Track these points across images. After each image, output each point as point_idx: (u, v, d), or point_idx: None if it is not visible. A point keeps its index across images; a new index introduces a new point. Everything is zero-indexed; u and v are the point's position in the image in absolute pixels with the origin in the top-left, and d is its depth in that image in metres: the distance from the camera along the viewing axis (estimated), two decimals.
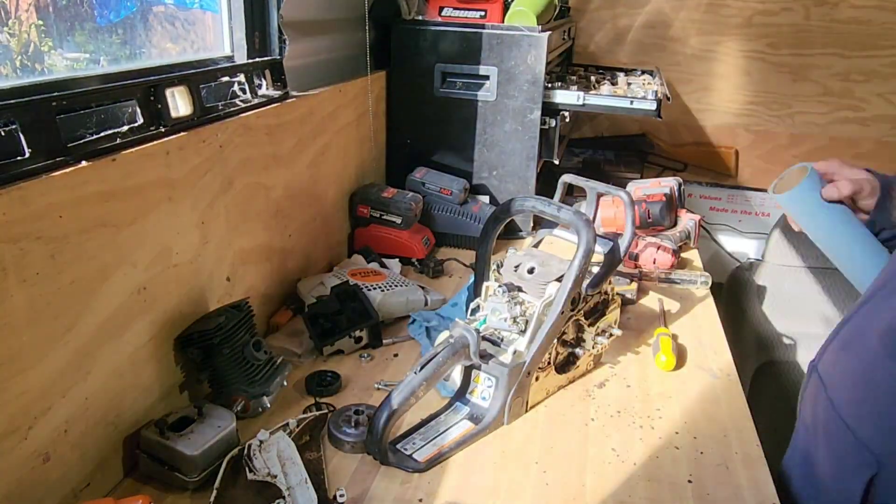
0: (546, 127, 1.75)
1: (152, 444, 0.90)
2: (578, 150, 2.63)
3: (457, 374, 1.06)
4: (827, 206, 1.02)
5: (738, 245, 2.77)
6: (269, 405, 1.04)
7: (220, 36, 1.29)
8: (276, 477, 0.86)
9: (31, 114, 0.77)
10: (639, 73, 2.30)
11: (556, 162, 1.86)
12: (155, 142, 0.93)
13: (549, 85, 1.77)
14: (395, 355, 1.25)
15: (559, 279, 1.09)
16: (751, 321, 2.26)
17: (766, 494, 0.93)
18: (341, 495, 0.85)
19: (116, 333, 0.88)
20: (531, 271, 1.13)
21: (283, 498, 0.84)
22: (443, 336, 1.06)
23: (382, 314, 1.31)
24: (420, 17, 1.80)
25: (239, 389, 1.02)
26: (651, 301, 1.51)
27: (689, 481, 0.95)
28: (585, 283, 1.10)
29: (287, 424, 0.97)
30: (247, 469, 0.88)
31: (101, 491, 0.88)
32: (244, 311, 1.07)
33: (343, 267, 1.45)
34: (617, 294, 1.21)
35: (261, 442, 0.91)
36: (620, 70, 2.37)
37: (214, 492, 0.85)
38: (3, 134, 0.74)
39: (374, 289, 1.33)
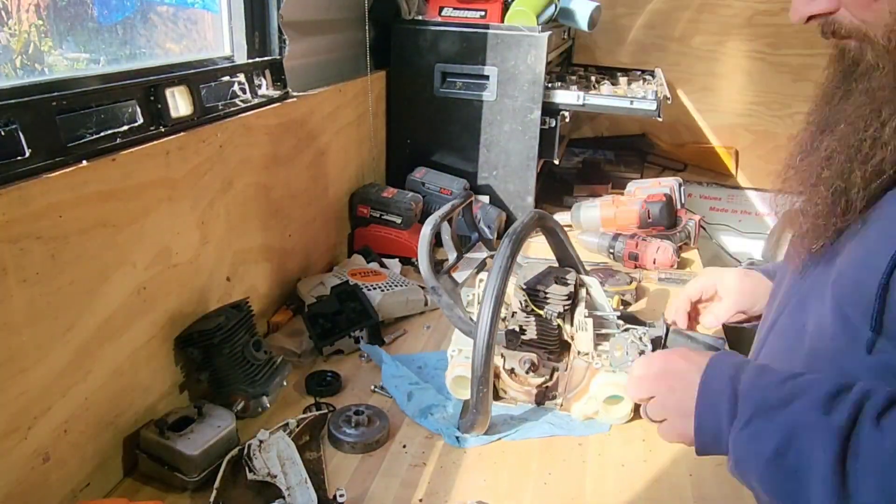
0: (546, 127, 1.75)
1: (152, 444, 0.90)
2: (578, 150, 2.63)
3: None
4: None
5: (738, 245, 2.77)
6: (268, 405, 1.04)
7: (220, 36, 1.29)
8: (276, 477, 0.86)
9: (31, 114, 0.77)
10: (639, 73, 2.29)
11: (557, 162, 1.86)
12: (155, 142, 0.94)
13: (549, 85, 1.77)
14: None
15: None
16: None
17: None
18: (341, 495, 0.85)
19: (116, 333, 0.88)
20: (550, 283, 1.10)
21: (283, 498, 0.84)
22: None
23: (382, 314, 1.31)
24: (420, 17, 1.80)
25: (239, 389, 1.02)
26: (651, 302, 1.51)
27: (690, 480, 0.95)
28: None
29: (287, 424, 0.97)
30: (247, 469, 0.88)
31: (101, 491, 0.88)
32: (244, 311, 1.07)
33: (343, 267, 1.45)
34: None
35: (260, 442, 0.90)
36: (620, 70, 2.37)
37: (214, 492, 0.84)
38: (3, 134, 0.74)
39: (374, 289, 1.33)
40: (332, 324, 1.22)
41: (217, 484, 0.85)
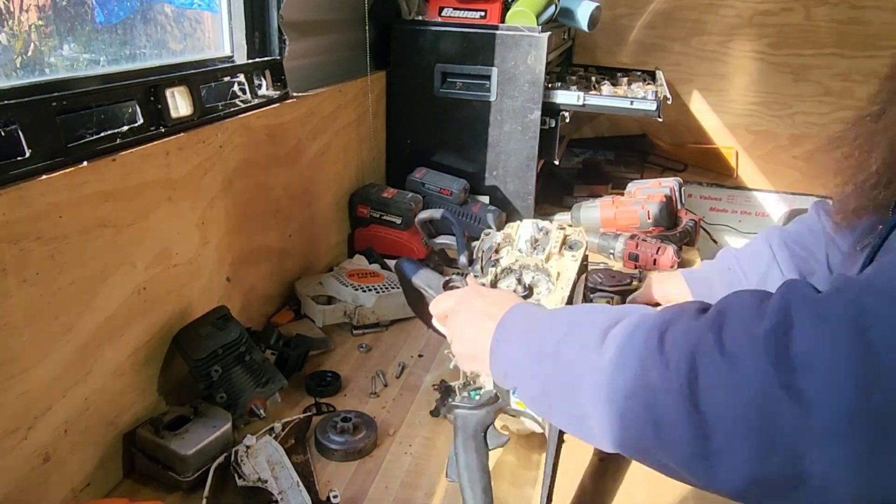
0: (546, 127, 1.75)
1: (147, 443, 0.90)
2: (578, 151, 2.63)
3: None
4: None
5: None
6: (279, 399, 1.04)
7: (220, 36, 1.29)
8: (266, 482, 0.86)
9: (31, 114, 0.77)
10: (639, 73, 2.29)
11: (557, 162, 1.86)
12: (155, 142, 0.94)
13: (549, 85, 1.76)
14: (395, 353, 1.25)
15: None
16: None
17: None
18: (335, 496, 0.85)
19: (116, 333, 0.88)
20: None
21: (276, 502, 0.83)
22: None
23: (378, 316, 1.31)
24: (420, 17, 1.80)
25: (254, 394, 1.00)
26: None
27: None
28: None
29: (272, 429, 0.95)
30: (235, 476, 0.87)
31: (101, 491, 0.88)
32: (230, 316, 1.04)
33: (343, 267, 1.45)
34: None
35: (247, 447, 0.90)
36: (621, 70, 2.37)
37: (204, 500, 0.84)
38: (3, 134, 0.74)
39: (370, 290, 1.34)
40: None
41: (206, 493, 0.85)
